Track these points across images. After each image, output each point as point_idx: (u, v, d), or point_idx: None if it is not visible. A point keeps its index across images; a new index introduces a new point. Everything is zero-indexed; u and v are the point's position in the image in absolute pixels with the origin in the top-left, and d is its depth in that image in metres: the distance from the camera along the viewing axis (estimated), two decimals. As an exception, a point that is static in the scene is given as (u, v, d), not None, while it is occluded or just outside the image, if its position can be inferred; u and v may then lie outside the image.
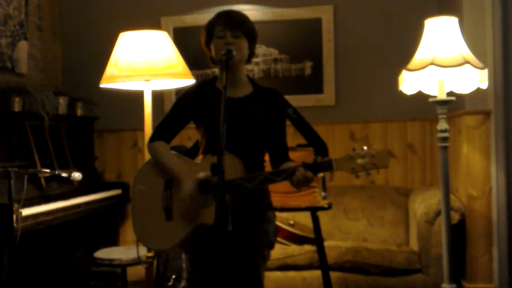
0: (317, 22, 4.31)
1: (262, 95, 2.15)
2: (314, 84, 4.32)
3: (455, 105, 2.97)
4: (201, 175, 1.99)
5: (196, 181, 2.00)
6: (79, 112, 4.31)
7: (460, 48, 2.74)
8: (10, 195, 2.94)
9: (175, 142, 2.22)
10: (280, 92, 2.19)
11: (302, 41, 4.34)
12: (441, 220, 2.88)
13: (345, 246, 3.52)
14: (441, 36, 2.75)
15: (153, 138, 2.18)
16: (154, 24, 4.29)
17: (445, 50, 2.71)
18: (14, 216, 2.90)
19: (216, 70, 2.31)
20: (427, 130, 4.17)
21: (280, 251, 3.51)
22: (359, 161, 1.87)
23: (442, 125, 2.80)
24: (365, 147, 1.89)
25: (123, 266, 3.44)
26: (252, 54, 2.16)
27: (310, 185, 2.96)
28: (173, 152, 2.16)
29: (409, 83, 2.84)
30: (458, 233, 3.36)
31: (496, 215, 3.35)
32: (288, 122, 2.16)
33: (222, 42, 2.05)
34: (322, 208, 3.10)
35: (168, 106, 4.32)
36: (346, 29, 4.30)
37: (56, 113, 3.87)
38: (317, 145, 2.11)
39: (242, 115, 2.08)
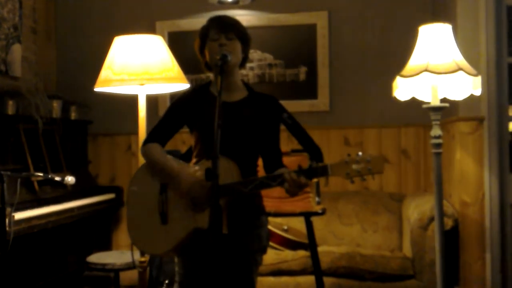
0: (312, 27, 4.32)
1: (256, 100, 2.15)
2: (308, 90, 4.33)
3: (448, 111, 2.98)
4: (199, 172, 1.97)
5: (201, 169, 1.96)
6: (73, 115, 4.31)
7: (453, 54, 2.75)
8: (2, 198, 2.91)
9: (169, 146, 2.22)
10: (275, 97, 2.19)
11: (297, 46, 4.35)
12: (435, 226, 2.89)
13: (339, 252, 3.52)
14: (435, 42, 2.76)
15: (146, 142, 2.18)
16: (149, 28, 4.30)
17: (439, 56, 2.72)
18: (7, 220, 2.88)
19: (210, 75, 2.32)
20: (420, 136, 4.18)
21: (273, 256, 3.50)
22: (354, 166, 1.87)
23: (436, 131, 2.81)
24: (360, 153, 1.89)
25: (116, 270, 3.43)
26: (246, 58, 2.18)
27: (304, 190, 2.96)
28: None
29: (403, 89, 2.85)
30: (452, 239, 3.36)
31: (489, 221, 3.36)
32: (282, 127, 2.16)
33: (217, 44, 2.06)
34: (316, 214, 3.11)
35: (162, 110, 4.31)
36: (340, 35, 4.31)
37: (50, 116, 3.87)
38: (312, 150, 2.11)
39: (236, 118, 2.08)
